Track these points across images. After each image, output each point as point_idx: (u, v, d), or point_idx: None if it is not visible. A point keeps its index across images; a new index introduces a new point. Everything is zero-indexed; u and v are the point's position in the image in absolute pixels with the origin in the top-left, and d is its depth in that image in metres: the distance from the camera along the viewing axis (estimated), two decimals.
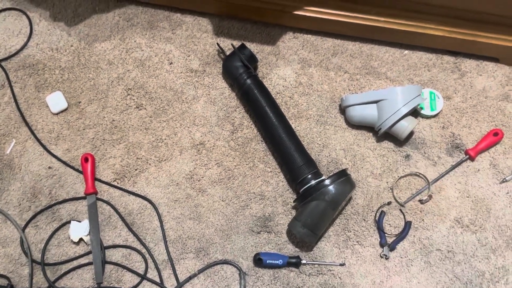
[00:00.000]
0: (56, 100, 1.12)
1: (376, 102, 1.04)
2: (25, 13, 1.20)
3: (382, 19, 1.08)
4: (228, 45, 1.16)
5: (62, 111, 1.12)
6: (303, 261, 1.00)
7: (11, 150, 1.10)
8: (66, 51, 1.17)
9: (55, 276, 1.01)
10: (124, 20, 1.20)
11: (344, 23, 1.11)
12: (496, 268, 0.99)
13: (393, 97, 1.02)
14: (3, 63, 1.16)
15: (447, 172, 1.06)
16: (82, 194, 1.06)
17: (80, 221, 1.04)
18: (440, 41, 1.10)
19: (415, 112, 1.09)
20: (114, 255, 1.02)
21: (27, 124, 1.11)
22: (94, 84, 1.15)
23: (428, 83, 1.13)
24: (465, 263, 1.00)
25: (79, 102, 1.13)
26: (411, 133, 1.09)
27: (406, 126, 1.02)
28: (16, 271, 1.01)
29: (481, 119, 1.10)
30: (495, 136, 1.06)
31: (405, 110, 1.01)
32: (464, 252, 1.00)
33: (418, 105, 1.05)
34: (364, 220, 1.04)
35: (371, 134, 1.10)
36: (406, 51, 1.16)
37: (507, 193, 1.04)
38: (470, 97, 1.11)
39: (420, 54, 1.15)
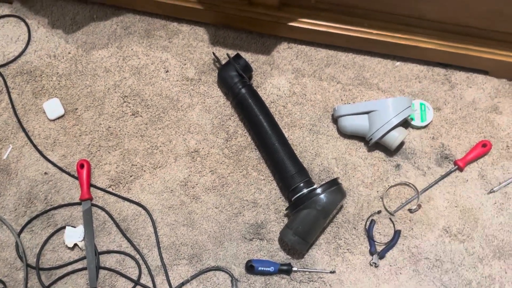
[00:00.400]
0: (53, 107, 1.13)
1: (367, 112, 1.06)
2: (23, 20, 1.22)
3: (375, 31, 1.11)
4: (224, 54, 1.18)
5: (58, 118, 1.14)
6: (294, 268, 1.02)
7: (7, 155, 1.11)
8: (63, 58, 1.19)
9: (49, 281, 1.02)
10: (122, 28, 1.21)
11: (338, 35, 1.13)
12: (483, 277, 1.01)
13: (384, 108, 1.04)
14: (1, 69, 1.18)
15: (436, 182, 1.08)
16: (77, 200, 1.08)
17: (75, 227, 1.05)
18: (431, 54, 1.12)
19: (405, 123, 1.12)
20: (108, 260, 1.04)
21: (24, 130, 1.13)
22: (91, 91, 1.17)
23: (419, 94, 1.15)
24: (452, 272, 1.02)
25: (76, 109, 1.15)
26: (402, 144, 1.11)
27: (396, 136, 1.04)
28: (11, 275, 1.03)
29: (470, 130, 1.12)
30: (484, 147, 1.08)
31: (396, 121, 1.03)
32: (452, 261, 1.03)
33: (409, 116, 1.07)
34: (355, 228, 1.06)
35: (362, 143, 1.12)
36: (398, 63, 1.18)
37: (495, 203, 1.06)
38: (460, 109, 1.14)
39: (412, 66, 1.18)
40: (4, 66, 1.18)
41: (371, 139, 1.07)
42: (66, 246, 1.04)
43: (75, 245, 1.04)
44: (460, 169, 1.09)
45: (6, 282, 1.02)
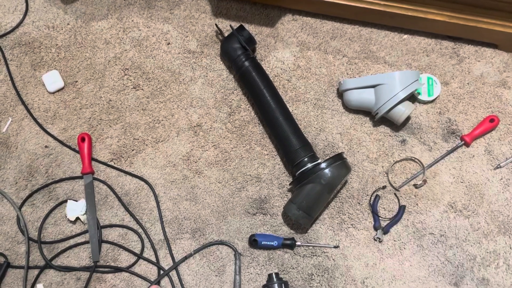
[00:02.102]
0: (52, 79, 1.11)
1: (374, 86, 1.04)
2: None
3: (382, 2, 1.08)
4: (227, 26, 1.15)
5: (58, 90, 1.12)
6: (298, 243, 1.02)
7: (7, 128, 1.09)
8: (62, 29, 1.16)
9: (51, 254, 1.01)
10: None
11: (344, 6, 1.10)
12: (488, 252, 1.01)
13: (391, 82, 1.02)
14: None
15: (442, 158, 1.07)
16: (78, 174, 1.06)
17: (76, 201, 1.04)
18: (441, 26, 1.09)
19: (412, 97, 1.10)
20: (110, 234, 1.03)
21: (23, 102, 1.11)
22: (90, 64, 1.14)
23: (426, 68, 1.13)
24: (457, 247, 1.01)
25: (76, 82, 1.13)
26: (408, 118, 1.09)
27: (403, 111, 1.02)
28: (12, 248, 1.02)
29: (478, 105, 1.10)
30: (491, 123, 1.06)
31: (403, 95, 1.01)
32: (456, 236, 1.02)
33: (416, 90, 1.05)
34: (359, 203, 1.05)
35: (368, 118, 1.10)
36: (405, 36, 1.15)
37: (501, 179, 1.05)
38: (468, 83, 1.12)
39: (419, 39, 1.15)
40: (2, 37, 1.15)
41: (377, 113, 1.05)
42: (68, 219, 1.03)
43: (77, 218, 1.03)
44: (467, 145, 1.07)
45: (8, 256, 1.02)
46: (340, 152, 1.05)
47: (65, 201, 1.04)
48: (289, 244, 1.01)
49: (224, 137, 1.09)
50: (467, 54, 1.13)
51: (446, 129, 1.09)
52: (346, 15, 1.14)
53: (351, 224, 1.04)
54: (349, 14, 1.13)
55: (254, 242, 1.00)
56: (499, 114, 1.09)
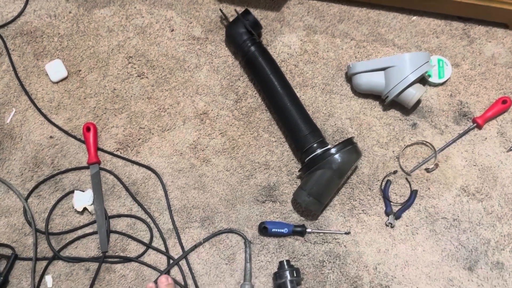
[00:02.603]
0: (55, 69, 1.09)
1: (383, 69, 1.02)
2: None
3: None
4: (231, 11, 1.13)
5: (62, 80, 1.10)
6: (308, 230, 1.00)
7: (11, 119, 1.08)
8: (64, 17, 1.14)
9: (59, 246, 1.00)
10: None
11: None
12: (502, 235, 0.99)
13: (401, 64, 1.00)
14: (0, 31, 1.13)
15: (454, 141, 1.05)
16: (84, 164, 1.05)
17: (83, 191, 1.03)
18: (450, 7, 1.07)
19: (422, 80, 1.07)
20: (118, 224, 1.02)
21: (26, 93, 1.09)
22: (94, 52, 1.12)
23: (436, 50, 1.10)
24: (470, 231, 1.00)
25: (79, 71, 1.11)
26: (418, 101, 1.07)
27: (414, 93, 1.00)
28: (20, 240, 1.01)
29: (490, 86, 1.08)
30: (504, 104, 1.04)
31: (413, 77, 0.99)
32: (469, 220, 1.00)
33: (426, 72, 1.03)
34: (370, 189, 1.03)
35: (377, 102, 1.08)
36: (414, 17, 1.12)
37: None
38: (479, 64, 1.09)
39: (429, 20, 1.12)
40: (3, 27, 1.13)
41: (387, 97, 1.03)
42: (75, 210, 1.02)
43: (85, 209, 1.02)
44: (479, 127, 1.05)
45: (16, 248, 1.01)
46: (350, 137, 1.04)
47: (72, 191, 1.03)
48: (299, 231, 1.00)
49: (231, 125, 1.08)
50: (477, 34, 1.11)
51: (458, 111, 1.06)
52: None
53: (362, 210, 1.02)
54: None
55: (264, 229, 0.99)
56: None
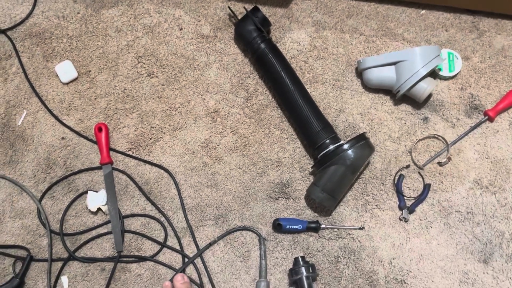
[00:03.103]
0: (65, 70, 1.09)
1: (394, 64, 1.02)
2: None
3: None
4: (240, 8, 1.13)
5: (72, 81, 1.10)
6: (322, 226, 1.00)
7: (22, 121, 1.08)
8: (72, 18, 1.14)
9: (74, 246, 1.01)
10: None
11: None
12: None
13: (412, 58, 1.00)
14: (9, 33, 1.13)
15: (466, 134, 1.05)
16: (97, 164, 1.05)
17: (97, 191, 1.03)
18: (458, 0, 1.06)
19: (433, 74, 1.07)
20: (133, 224, 1.02)
21: (37, 94, 1.09)
22: (103, 52, 1.12)
23: (446, 43, 1.10)
24: (484, 224, 1.00)
25: (89, 71, 1.11)
26: (430, 95, 1.07)
27: (425, 87, 1.00)
28: (35, 242, 1.01)
29: (500, 79, 1.08)
30: None
31: (424, 71, 0.99)
32: (483, 213, 1.00)
33: (437, 66, 1.03)
34: (383, 184, 1.03)
35: (388, 97, 1.08)
36: (423, 11, 1.12)
37: None
38: (489, 57, 1.09)
39: (438, 14, 1.12)
40: (12, 29, 1.13)
41: (398, 91, 1.03)
42: (89, 210, 1.02)
43: (99, 209, 1.02)
44: (491, 120, 1.05)
45: (31, 249, 1.01)
46: (362, 132, 1.03)
47: (85, 192, 1.03)
48: (314, 227, 1.00)
49: (242, 122, 1.08)
50: (487, 27, 1.11)
51: (469, 104, 1.06)
52: None
53: (376, 205, 1.02)
54: None
55: (278, 226, 0.99)
56: None
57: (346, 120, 1.07)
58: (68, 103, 1.09)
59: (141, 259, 1.00)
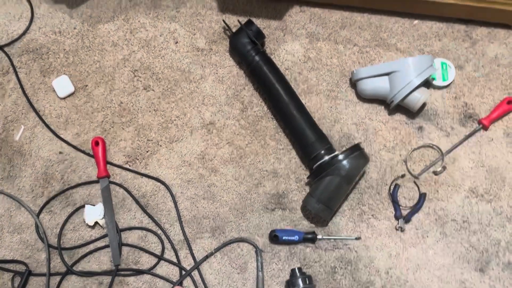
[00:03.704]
0: (62, 84, 1.10)
1: (387, 74, 1.03)
2: None
3: None
4: (234, 21, 1.14)
5: (69, 95, 1.11)
6: (319, 236, 1.01)
7: (20, 136, 1.09)
8: (69, 34, 1.15)
9: (72, 260, 1.01)
10: None
11: None
12: None
13: (405, 68, 1.00)
14: (6, 49, 1.14)
15: (460, 143, 1.05)
16: (94, 178, 1.06)
17: (94, 205, 1.03)
18: (452, 9, 1.07)
19: (427, 83, 1.08)
20: (130, 237, 1.03)
21: (34, 109, 1.10)
22: (100, 67, 1.13)
23: (439, 53, 1.11)
24: (480, 232, 1.00)
25: (86, 86, 1.12)
26: (424, 105, 1.08)
27: (419, 97, 1.01)
28: (33, 256, 1.02)
29: (494, 87, 1.08)
30: (509, 105, 1.05)
31: (418, 81, 1.00)
32: (479, 222, 1.01)
33: (430, 75, 1.03)
34: (378, 193, 1.04)
35: (382, 107, 1.09)
36: (416, 21, 1.13)
37: None
38: (482, 66, 1.10)
39: (430, 23, 1.13)
40: (9, 45, 1.14)
41: (392, 101, 1.04)
42: (87, 224, 1.02)
43: (96, 223, 1.03)
44: (485, 128, 1.05)
45: (29, 264, 1.01)
46: (356, 142, 1.04)
47: (83, 206, 1.04)
48: (310, 238, 1.00)
49: (238, 134, 1.08)
50: (480, 36, 1.12)
51: (463, 113, 1.07)
52: (355, 3, 1.12)
53: (372, 215, 1.02)
54: (358, 2, 1.11)
55: (274, 237, 1.00)
56: None
57: (341, 130, 1.08)
58: (65, 117, 1.10)
59: (138, 272, 1.00)
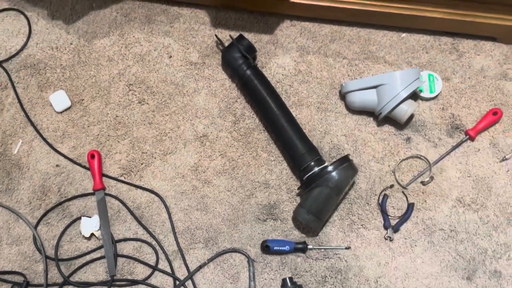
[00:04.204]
0: (59, 99, 1.13)
1: (375, 87, 1.05)
2: (23, 13, 1.21)
3: (379, 3, 1.09)
4: (226, 36, 1.17)
5: (66, 110, 1.14)
6: (310, 246, 1.03)
7: (18, 150, 1.12)
8: (66, 49, 1.18)
9: (69, 271, 1.04)
10: (122, 15, 1.20)
11: (341, 9, 1.11)
12: (498, 244, 1.01)
13: (392, 81, 1.03)
14: (4, 64, 1.17)
15: (447, 153, 1.07)
16: (90, 190, 1.09)
17: (90, 217, 1.06)
18: (438, 23, 1.10)
19: (414, 95, 1.10)
20: (125, 248, 1.05)
21: (32, 124, 1.13)
22: (95, 81, 1.16)
23: (427, 65, 1.14)
24: (467, 241, 1.02)
25: (82, 100, 1.15)
26: (412, 116, 1.10)
27: (406, 109, 1.03)
28: (31, 267, 1.04)
29: (480, 99, 1.11)
30: (494, 116, 1.07)
31: (405, 94, 1.02)
32: (466, 231, 1.03)
33: (417, 88, 1.06)
34: (368, 203, 1.06)
35: (371, 119, 1.11)
36: (403, 34, 1.16)
37: (508, 171, 1.06)
38: (469, 78, 1.12)
39: (418, 36, 1.16)
40: (7, 60, 1.17)
41: (380, 113, 1.06)
42: (83, 236, 1.05)
43: (92, 234, 1.05)
44: (472, 139, 1.08)
45: (27, 275, 1.04)
46: (346, 154, 1.07)
47: (79, 218, 1.06)
48: (301, 248, 1.02)
49: (230, 146, 1.11)
50: (466, 48, 1.14)
51: (450, 124, 1.09)
52: (344, 18, 1.15)
53: (361, 225, 1.05)
54: (347, 16, 1.14)
55: (266, 248, 1.02)
56: (502, 107, 1.09)
57: (331, 141, 1.10)
58: (62, 131, 1.13)
59: (133, 282, 1.02)
